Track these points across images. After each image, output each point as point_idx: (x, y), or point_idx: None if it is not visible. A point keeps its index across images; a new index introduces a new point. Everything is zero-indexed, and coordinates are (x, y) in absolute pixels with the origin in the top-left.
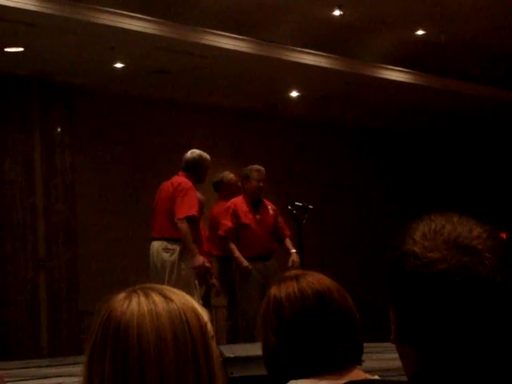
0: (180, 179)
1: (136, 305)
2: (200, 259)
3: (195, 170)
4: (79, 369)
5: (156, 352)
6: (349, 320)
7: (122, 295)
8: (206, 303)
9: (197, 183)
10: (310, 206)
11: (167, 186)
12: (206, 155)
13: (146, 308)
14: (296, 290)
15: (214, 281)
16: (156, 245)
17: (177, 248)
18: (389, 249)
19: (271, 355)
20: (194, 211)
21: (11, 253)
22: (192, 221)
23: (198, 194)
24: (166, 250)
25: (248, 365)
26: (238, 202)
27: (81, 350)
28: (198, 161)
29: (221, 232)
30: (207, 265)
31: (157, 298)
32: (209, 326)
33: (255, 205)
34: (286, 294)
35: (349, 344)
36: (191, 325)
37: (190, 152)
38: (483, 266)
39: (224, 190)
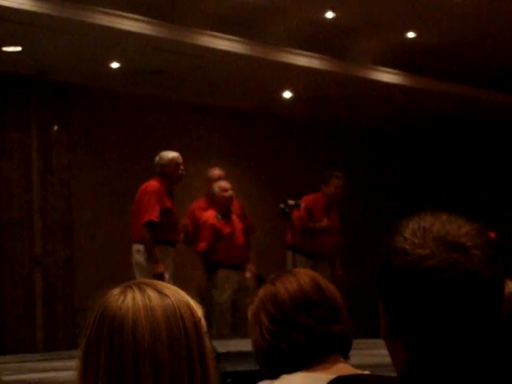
0: (147, 183)
1: (131, 300)
2: (160, 268)
3: (161, 172)
4: (74, 363)
5: (150, 346)
6: (339, 306)
7: (116, 290)
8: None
9: (171, 185)
10: (303, 205)
11: (139, 189)
12: (169, 155)
13: (140, 303)
14: (291, 278)
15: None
16: (132, 248)
17: (142, 248)
18: (379, 246)
19: (264, 346)
20: (152, 216)
21: (8, 249)
22: (152, 225)
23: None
24: (136, 251)
25: (240, 360)
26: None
27: (76, 344)
28: (161, 163)
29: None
30: (166, 276)
31: (151, 294)
32: (202, 321)
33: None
34: (281, 284)
35: (339, 328)
36: (185, 320)
37: (157, 155)
38: (472, 262)
39: None
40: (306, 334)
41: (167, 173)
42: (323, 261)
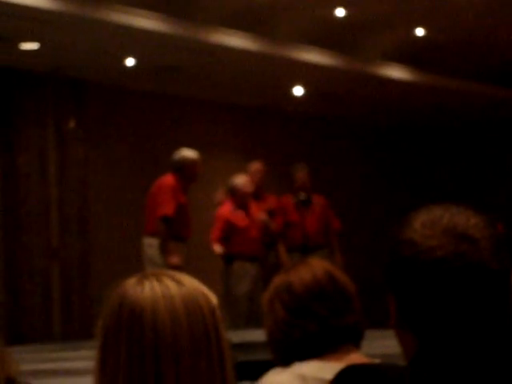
0: (164, 178)
1: (149, 289)
2: (175, 259)
3: (180, 170)
4: (91, 353)
5: (171, 335)
6: (352, 297)
7: (133, 280)
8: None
9: (187, 183)
10: (313, 200)
11: (154, 184)
12: (190, 154)
13: (159, 292)
14: (306, 268)
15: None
16: (143, 241)
17: (154, 242)
18: (389, 237)
19: (278, 335)
20: (167, 211)
21: (25, 242)
22: (166, 220)
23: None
24: (148, 245)
25: (254, 350)
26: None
27: (92, 335)
28: (181, 161)
29: None
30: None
31: (169, 283)
32: (217, 309)
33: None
34: (296, 274)
35: (351, 319)
36: (203, 308)
37: (176, 152)
38: (480, 253)
39: None
40: (320, 323)
41: (184, 171)
42: (312, 253)
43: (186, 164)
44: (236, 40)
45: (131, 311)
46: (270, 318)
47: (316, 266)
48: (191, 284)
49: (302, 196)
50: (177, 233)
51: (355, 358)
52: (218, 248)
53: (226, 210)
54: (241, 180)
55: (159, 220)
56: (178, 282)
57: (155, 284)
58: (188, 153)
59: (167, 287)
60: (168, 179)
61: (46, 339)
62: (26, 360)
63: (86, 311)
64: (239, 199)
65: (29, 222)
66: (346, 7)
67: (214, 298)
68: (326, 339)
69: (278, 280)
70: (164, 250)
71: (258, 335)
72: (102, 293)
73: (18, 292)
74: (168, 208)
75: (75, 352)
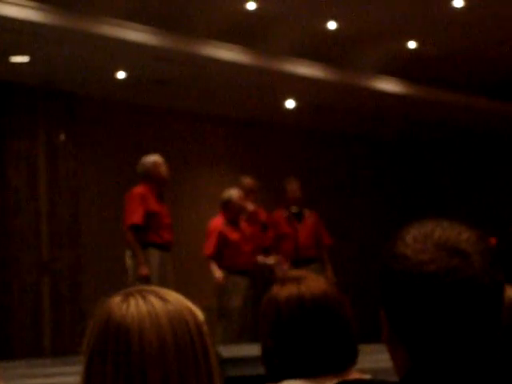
0: (132, 189)
1: (135, 307)
2: (143, 270)
3: (146, 176)
4: (81, 368)
5: (158, 353)
6: (345, 324)
7: (118, 298)
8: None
9: (158, 188)
10: (307, 213)
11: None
12: (150, 158)
13: (145, 310)
14: (295, 293)
15: None
16: (125, 253)
17: (130, 253)
18: (382, 252)
19: (268, 355)
20: (134, 220)
21: (15, 256)
22: (136, 229)
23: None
24: (128, 256)
25: (244, 365)
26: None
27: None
28: (144, 167)
29: None
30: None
31: (154, 300)
32: (205, 325)
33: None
34: (285, 297)
35: (343, 348)
36: (189, 324)
37: (139, 161)
38: (472, 267)
39: None
40: (298, 353)
41: (150, 176)
42: (304, 266)
43: (148, 168)
44: (227, 53)
45: (117, 331)
46: (261, 335)
47: (306, 286)
48: (176, 300)
49: (294, 209)
50: (150, 240)
51: (352, 375)
52: (218, 273)
53: (218, 223)
54: (234, 193)
55: (128, 229)
56: (163, 299)
57: (140, 301)
58: (149, 157)
59: (152, 304)
60: (136, 188)
61: (36, 354)
62: (16, 375)
63: (76, 325)
64: (232, 212)
65: (19, 235)
66: (337, 20)
67: (200, 314)
68: (314, 364)
69: (273, 290)
70: (137, 260)
71: (248, 350)
72: (92, 306)
73: (8, 306)
74: (135, 216)
75: (65, 367)
